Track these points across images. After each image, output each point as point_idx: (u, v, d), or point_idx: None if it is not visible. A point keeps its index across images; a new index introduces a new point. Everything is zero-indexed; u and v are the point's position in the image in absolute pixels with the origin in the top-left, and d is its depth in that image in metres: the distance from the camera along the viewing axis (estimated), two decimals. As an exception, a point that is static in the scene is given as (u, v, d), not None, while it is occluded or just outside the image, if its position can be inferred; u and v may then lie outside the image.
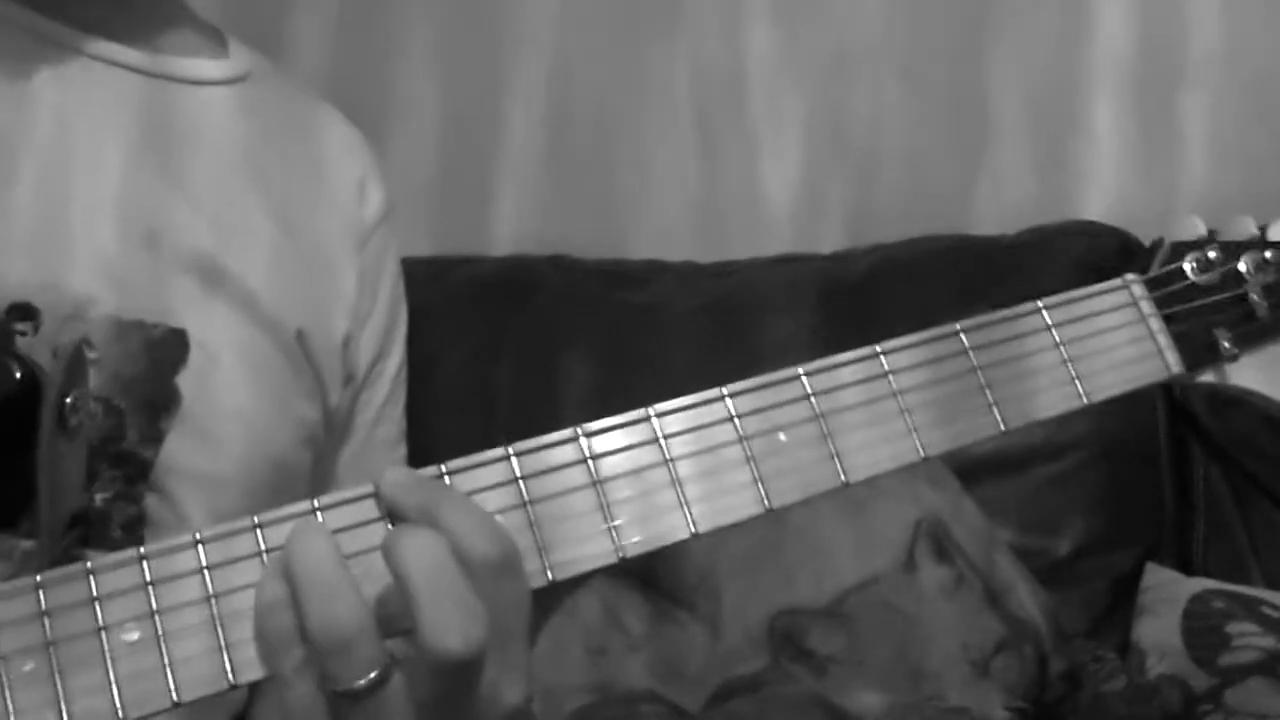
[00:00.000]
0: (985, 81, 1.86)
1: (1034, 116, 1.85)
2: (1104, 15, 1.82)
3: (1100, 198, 1.83)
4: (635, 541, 0.58)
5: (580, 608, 1.42)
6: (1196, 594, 1.48)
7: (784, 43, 1.90)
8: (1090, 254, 1.69)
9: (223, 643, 0.54)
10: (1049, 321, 0.67)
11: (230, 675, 0.54)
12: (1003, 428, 0.65)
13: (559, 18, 1.95)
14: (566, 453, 0.59)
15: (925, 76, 1.88)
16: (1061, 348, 0.67)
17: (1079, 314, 0.69)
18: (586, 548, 0.58)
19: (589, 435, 0.59)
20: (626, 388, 1.68)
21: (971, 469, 1.57)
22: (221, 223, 0.81)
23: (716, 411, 0.61)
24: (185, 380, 0.76)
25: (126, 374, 0.74)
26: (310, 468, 0.84)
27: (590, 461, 0.58)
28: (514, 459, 0.58)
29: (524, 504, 0.58)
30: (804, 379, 0.62)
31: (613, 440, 0.59)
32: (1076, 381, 0.67)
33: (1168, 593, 1.51)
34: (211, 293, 0.79)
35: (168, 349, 0.75)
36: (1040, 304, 0.68)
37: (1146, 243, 1.72)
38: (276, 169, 0.86)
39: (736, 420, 0.61)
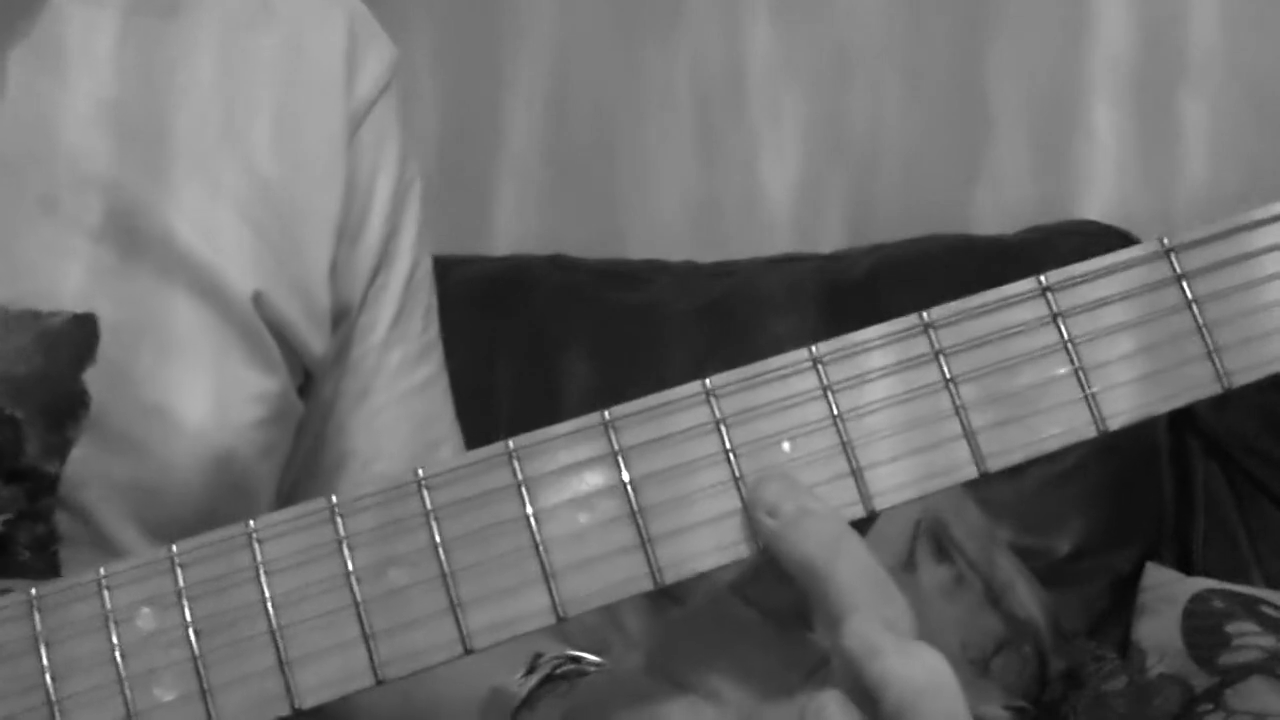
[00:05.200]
0: (985, 82, 1.86)
1: (1034, 116, 1.85)
2: (1104, 15, 1.82)
3: (1100, 198, 1.83)
4: (578, 595, 0.45)
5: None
6: (1196, 594, 1.48)
7: (784, 43, 1.90)
8: (1090, 254, 1.69)
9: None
10: (1178, 269, 0.47)
11: None
12: (1101, 427, 0.48)
13: (559, 18, 1.95)
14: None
15: (925, 76, 1.88)
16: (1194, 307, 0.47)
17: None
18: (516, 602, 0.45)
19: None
20: (626, 388, 1.67)
21: (971, 469, 1.57)
22: (147, 170, 0.65)
23: (698, 417, 0.46)
24: (94, 376, 0.62)
25: (19, 375, 0.61)
26: (283, 444, 0.71)
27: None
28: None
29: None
30: (819, 368, 0.46)
31: (551, 463, 0.46)
32: (1215, 357, 0.48)
33: (1168, 593, 1.51)
34: (132, 262, 0.63)
35: (70, 341, 0.61)
36: (1166, 243, 0.47)
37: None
38: (225, 81, 0.68)
39: (723, 428, 0.46)
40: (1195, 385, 0.47)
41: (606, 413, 0.46)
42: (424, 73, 1.91)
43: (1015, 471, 1.67)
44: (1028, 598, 1.50)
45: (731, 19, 1.91)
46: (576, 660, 0.58)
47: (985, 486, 1.57)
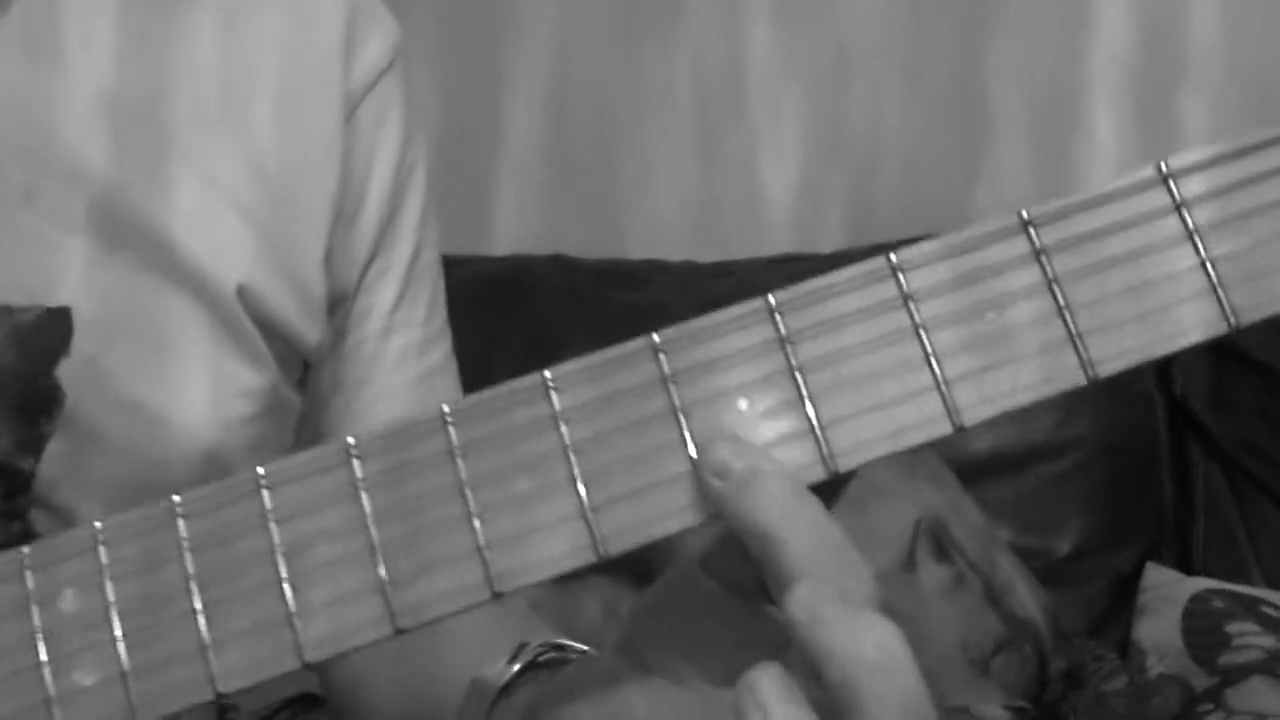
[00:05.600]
0: (985, 81, 1.86)
1: (1034, 116, 1.85)
2: (1104, 15, 1.82)
3: (1100, 198, 1.83)
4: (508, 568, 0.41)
5: (581, 607, 1.42)
6: (1196, 594, 1.48)
7: (784, 42, 1.90)
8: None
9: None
10: (1179, 197, 0.42)
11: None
12: (1090, 373, 0.41)
13: (559, 17, 1.95)
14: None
15: (925, 76, 1.88)
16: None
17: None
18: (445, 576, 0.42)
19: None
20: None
21: (971, 469, 1.57)
22: (129, 158, 0.63)
23: (645, 374, 0.43)
24: (68, 372, 0.60)
25: None
26: (277, 439, 0.69)
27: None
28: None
29: None
30: (776, 317, 0.42)
31: (495, 425, 0.42)
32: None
33: (1168, 593, 1.51)
34: (109, 256, 0.62)
35: (43, 336, 0.60)
36: (1164, 167, 0.43)
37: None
38: (215, 63, 0.66)
39: (670, 386, 0.42)
40: (1199, 324, 0.41)
41: (547, 373, 0.43)
42: (424, 72, 1.91)
43: (1015, 470, 1.67)
44: (1028, 598, 1.50)
45: (731, 19, 1.91)
46: (561, 648, 0.56)
47: (985, 486, 1.57)
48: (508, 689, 0.55)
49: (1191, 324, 0.41)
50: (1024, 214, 0.42)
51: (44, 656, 0.41)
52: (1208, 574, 1.55)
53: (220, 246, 0.64)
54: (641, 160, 1.94)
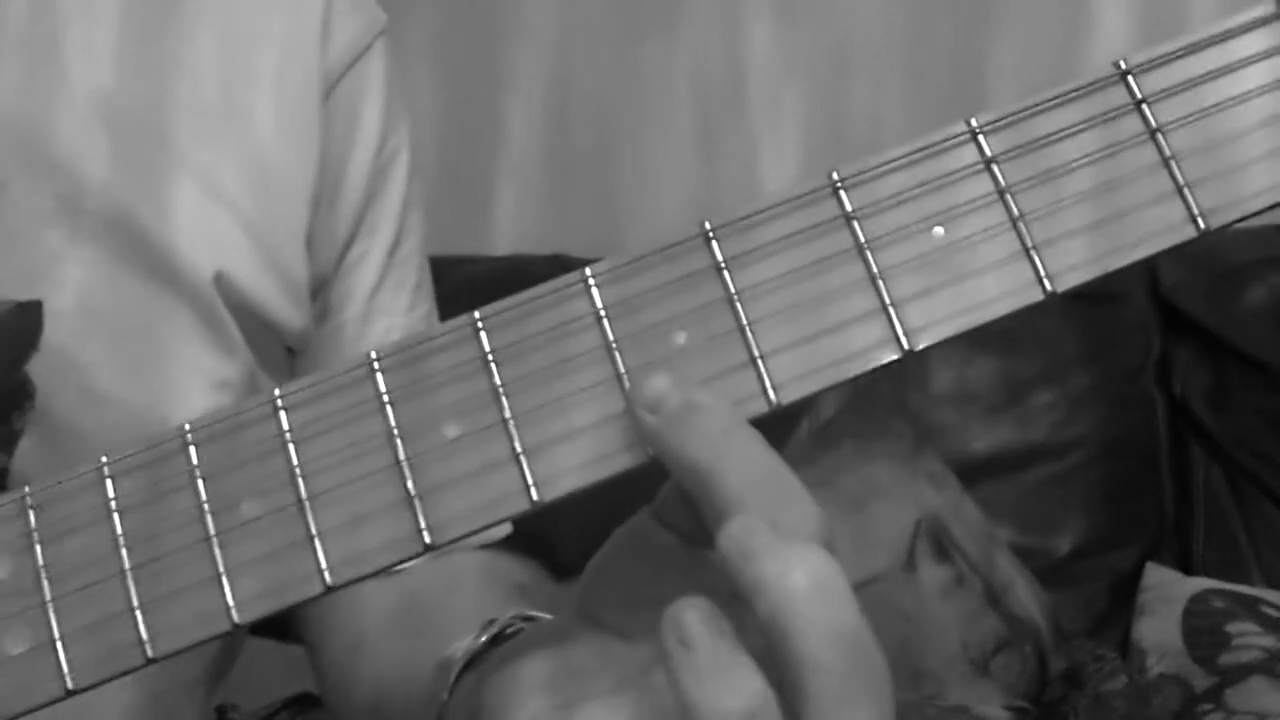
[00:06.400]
0: (985, 80, 1.86)
1: (1034, 116, 1.85)
2: (1104, 15, 1.82)
3: (1100, 197, 1.83)
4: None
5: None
6: (1196, 594, 1.48)
7: (784, 41, 1.90)
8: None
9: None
10: (1154, 124, 0.39)
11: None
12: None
13: (559, 17, 1.95)
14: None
15: (925, 76, 1.88)
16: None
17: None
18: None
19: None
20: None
21: (971, 469, 1.57)
22: (98, 146, 0.62)
23: (575, 307, 0.40)
24: (39, 366, 0.60)
25: None
26: None
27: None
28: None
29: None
30: (713, 243, 0.39)
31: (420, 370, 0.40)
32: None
33: (1168, 593, 1.51)
34: (79, 248, 0.61)
35: (12, 330, 0.59)
36: (1123, 65, 0.40)
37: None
38: (183, 44, 0.65)
39: (604, 321, 0.39)
40: (1164, 230, 0.38)
41: (476, 313, 0.40)
42: (424, 72, 1.91)
43: (1015, 470, 1.67)
44: (1028, 598, 1.50)
45: (731, 19, 1.91)
46: (532, 620, 0.54)
47: (985, 486, 1.57)
48: (474, 662, 0.53)
49: (1157, 229, 0.38)
50: (972, 122, 0.39)
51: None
52: (1208, 574, 1.55)
53: (196, 234, 0.63)
54: (641, 160, 1.94)
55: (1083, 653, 1.51)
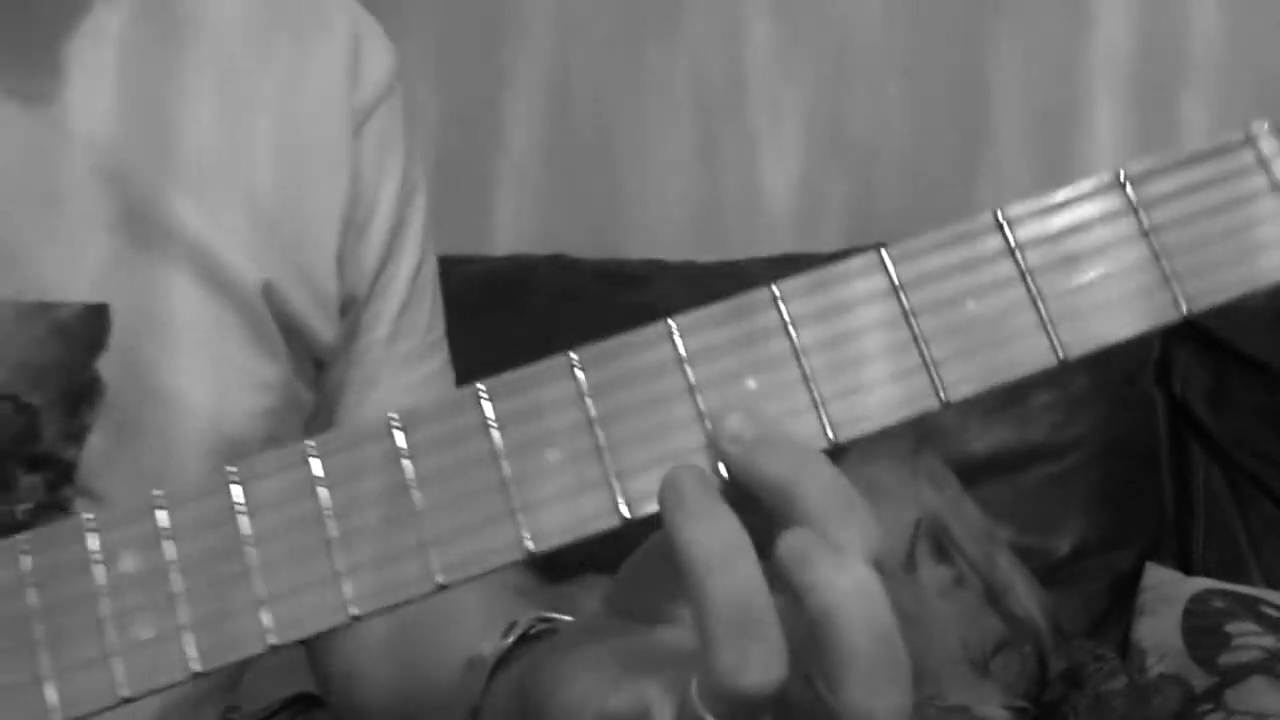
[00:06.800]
0: (986, 81, 1.86)
1: (1034, 116, 1.85)
2: (1104, 15, 1.82)
3: (1100, 198, 1.83)
4: (545, 530, 0.45)
5: (580, 608, 1.42)
6: (1196, 594, 1.48)
7: (784, 42, 1.90)
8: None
9: (41, 674, 0.44)
10: (1134, 200, 0.47)
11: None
12: (1061, 356, 0.46)
13: (559, 17, 1.95)
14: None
15: (926, 76, 1.88)
16: (1150, 238, 0.47)
17: (1179, 187, 0.48)
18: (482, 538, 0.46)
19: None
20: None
21: (971, 469, 1.57)
22: (157, 160, 0.66)
23: (662, 355, 0.46)
24: (108, 364, 0.63)
25: (35, 364, 0.62)
26: (290, 434, 0.71)
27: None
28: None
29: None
30: (780, 304, 0.46)
31: (530, 399, 0.46)
32: (1173, 284, 0.46)
33: (1168, 593, 1.51)
34: (143, 252, 0.65)
35: (83, 330, 0.63)
36: (1122, 174, 0.48)
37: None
38: (231, 71, 0.70)
39: (686, 367, 0.46)
40: (1153, 312, 0.46)
41: (572, 354, 0.46)
42: (424, 73, 1.91)
43: (1015, 470, 1.67)
44: (1028, 598, 1.50)
45: (731, 19, 1.91)
46: (550, 621, 0.60)
47: (985, 486, 1.57)
48: (503, 662, 0.58)
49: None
50: (999, 214, 0.47)
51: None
52: (1208, 574, 1.55)
53: (240, 246, 0.68)
54: (641, 160, 1.94)
55: (1083, 653, 1.51)
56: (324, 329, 0.72)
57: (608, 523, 0.44)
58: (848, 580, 0.41)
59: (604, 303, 1.74)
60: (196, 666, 0.44)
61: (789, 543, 0.42)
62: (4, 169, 0.63)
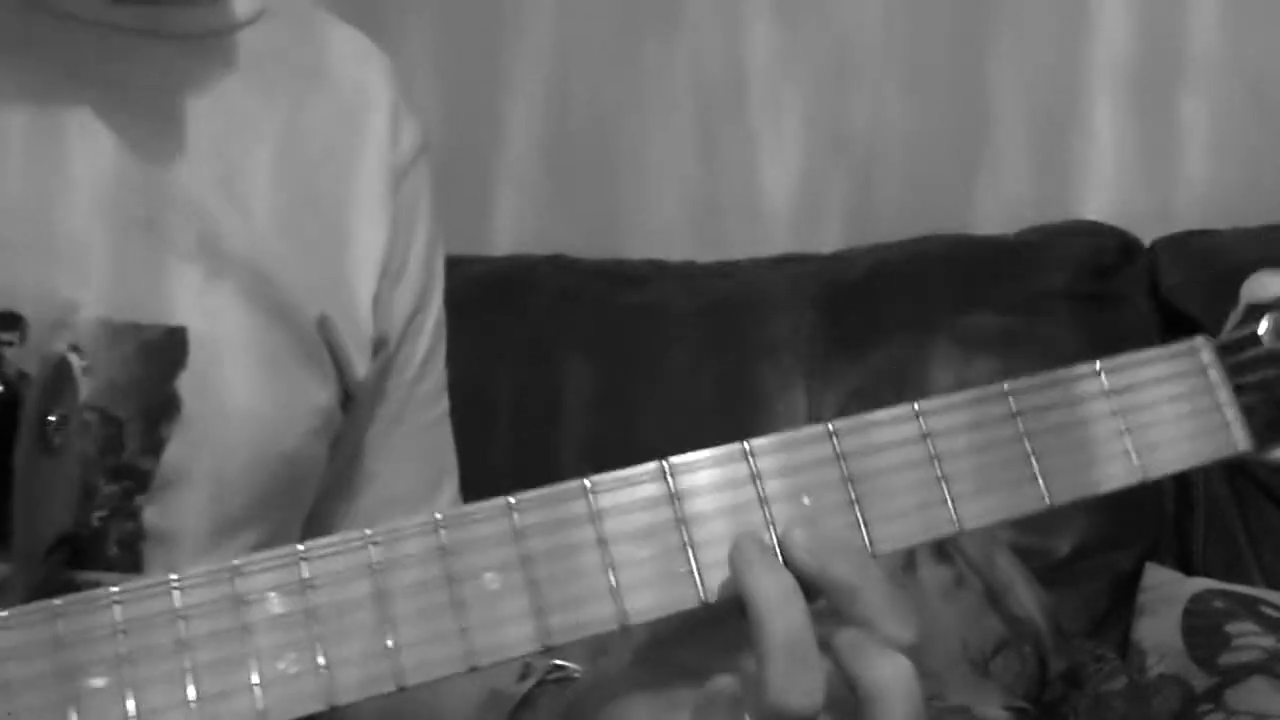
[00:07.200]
0: (985, 81, 1.86)
1: (1034, 116, 1.85)
2: (1104, 15, 1.82)
3: (1100, 198, 1.83)
4: (640, 609, 0.54)
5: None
6: (1196, 594, 1.48)
7: (784, 42, 1.90)
8: (1090, 254, 1.69)
9: (193, 697, 0.49)
10: (1106, 387, 0.61)
11: None
12: (1048, 502, 0.61)
13: (559, 17, 1.95)
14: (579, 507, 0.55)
15: (925, 76, 1.88)
16: (1119, 417, 0.61)
17: (1140, 379, 0.62)
18: (588, 610, 0.54)
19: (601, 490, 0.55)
20: (626, 388, 1.68)
21: (971, 469, 1.57)
22: (230, 199, 0.73)
23: (737, 471, 0.55)
24: (185, 383, 0.70)
25: (122, 381, 0.67)
26: (325, 455, 0.79)
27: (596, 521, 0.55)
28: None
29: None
30: (834, 438, 0.56)
31: (622, 496, 0.54)
32: (1132, 454, 0.62)
33: (1168, 593, 1.51)
34: (216, 282, 0.71)
35: (165, 350, 0.69)
36: (1098, 365, 0.61)
37: (1147, 242, 1.73)
38: (291, 125, 0.78)
39: (758, 482, 0.55)
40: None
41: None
42: (424, 73, 1.91)
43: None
44: (1028, 598, 1.50)
45: (731, 19, 1.91)
46: (562, 668, 0.67)
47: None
48: (525, 703, 0.65)
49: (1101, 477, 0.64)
50: (1005, 388, 0.60)
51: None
52: (1208, 574, 1.55)
53: (303, 283, 0.75)
54: (641, 160, 1.94)
55: (1083, 653, 1.51)
56: (360, 365, 0.79)
57: (690, 604, 0.54)
58: (892, 668, 0.52)
59: (604, 303, 1.74)
60: (330, 700, 0.50)
61: (844, 637, 0.53)
62: (116, 200, 0.69)
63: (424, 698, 0.71)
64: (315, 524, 0.81)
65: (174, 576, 0.50)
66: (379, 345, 0.81)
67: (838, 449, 0.56)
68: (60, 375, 0.60)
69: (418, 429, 0.85)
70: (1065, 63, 1.83)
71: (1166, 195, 1.82)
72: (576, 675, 0.66)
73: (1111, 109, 1.83)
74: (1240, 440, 0.62)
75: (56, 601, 0.48)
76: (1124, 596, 1.57)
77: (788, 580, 0.53)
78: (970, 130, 1.86)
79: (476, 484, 0.92)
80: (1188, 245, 1.70)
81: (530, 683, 0.66)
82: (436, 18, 1.94)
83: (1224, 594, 1.48)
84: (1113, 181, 1.83)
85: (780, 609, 0.52)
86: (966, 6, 1.86)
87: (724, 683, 0.54)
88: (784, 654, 0.51)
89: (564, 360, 1.70)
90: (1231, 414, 0.63)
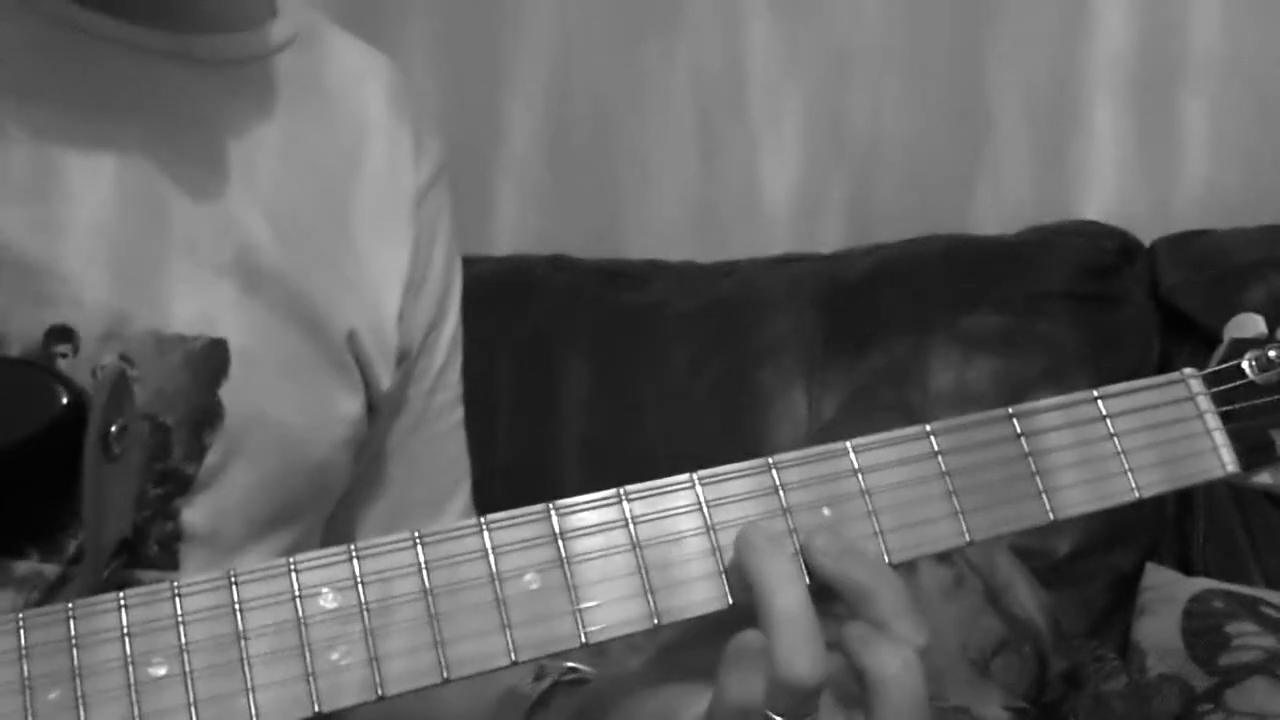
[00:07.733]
0: (985, 81, 1.86)
1: (1034, 116, 1.85)
2: (1104, 15, 1.82)
3: (1100, 198, 1.83)
4: (670, 609, 0.58)
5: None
6: (1196, 594, 1.48)
7: (784, 42, 1.90)
8: (1090, 254, 1.69)
9: (250, 685, 0.53)
10: (1103, 412, 0.68)
11: None
12: (1051, 517, 0.66)
13: (559, 18, 1.95)
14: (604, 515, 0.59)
15: (925, 76, 1.88)
16: (1116, 439, 0.68)
17: (1134, 405, 0.69)
18: (620, 610, 0.58)
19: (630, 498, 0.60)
20: (626, 388, 1.68)
21: (971, 469, 1.57)
22: (264, 218, 0.76)
23: (762, 482, 0.60)
24: (227, 392, 0.73)
25: (169, 390, 0.71)
26: (350, 463, 0.82)
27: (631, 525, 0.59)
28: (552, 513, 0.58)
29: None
30: (852, 455, 0.61)
31: (656, 504, 0.59)
32: (1129, 474, 0.69)
33: (1168, 593, 1.51)
34: (252, 297, 0.75)
35: (209, 361, 0.73)
36: (1095, 393, 0.68)
37: (1147, 242, 1.73)
38: (322, 147, 0.81)
39: (781, 492, 0.60)
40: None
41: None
42: (424, 73, 1.91)
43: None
44: (1028, 598, 1.50)
45: (731, 19, 1.91)
46: (575, 670, 0.70)
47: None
48: (540, 703, 0.69)
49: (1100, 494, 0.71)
50: (1010, 411, 0.66)
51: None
52: (1208, 574, 1.55)
53: (334, 299, 0.79)
54: (641, 160, 1.94)
55: (1083, 653, 1.51)
56: (385, 377, 0.82)
57: (716, 608, 0.58)
58: (898, 659, 0.57)
59: (604, 303, 1.74)
60: (380, 691, 0.54)
61: (852, 629, 0.57)
62: (159, 219, 0.72)
63: (426, 698, 0.73)
64: (333, 526, 0.83)
65: (230, 573, 0.54)
66: (402, 357, 0.84)
67: (855, 465, 0.61)
68: (120, 388, 0.62)
69: (433, 437, 0.88)
70: (1065, 63, 1.83)
71: (1166, 195, 1.82)
72: (590, 677, 0.69)
73: (1111, 109, 1.83)
74: (1229, 463, 0.69)
75: (120, 594, 0.53)
76: (1124, 596, 1.57)
77: (788, 562, 0.57)
78: (970, 130, 1.86)
79: (477, 483, 0.92)
80: (1188, 245, 1.70)
81: (546, 683, 0.69)
82: (436, 17, 1.94)
83: (1224, 594, 1.48)
84: (1112, 181, 1.83)
85: (782, 586, 0.56)
86: (966, 6, 1.86)
87: (751, 636, 0.57)
88: (787, 626, 0.55)
89: (564, 360, 1.70)
90: (1220, 439, 0.69)
